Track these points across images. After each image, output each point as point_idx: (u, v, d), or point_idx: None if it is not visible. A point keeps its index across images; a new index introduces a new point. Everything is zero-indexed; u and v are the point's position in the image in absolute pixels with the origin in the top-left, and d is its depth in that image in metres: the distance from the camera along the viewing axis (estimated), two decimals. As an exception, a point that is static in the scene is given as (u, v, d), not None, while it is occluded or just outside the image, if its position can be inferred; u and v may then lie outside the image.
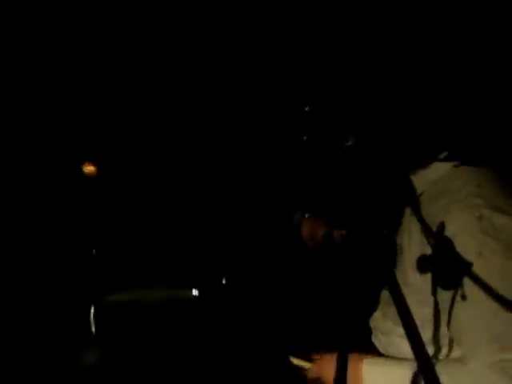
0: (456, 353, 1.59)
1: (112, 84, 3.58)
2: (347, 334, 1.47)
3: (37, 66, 3.96)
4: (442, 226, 1.43)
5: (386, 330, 1.72)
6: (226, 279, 2.32)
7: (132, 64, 3.94)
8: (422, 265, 1.54)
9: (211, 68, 3.33)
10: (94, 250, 2.73)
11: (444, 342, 1.64)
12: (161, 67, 3.62)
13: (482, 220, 1.47)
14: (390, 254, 1.52)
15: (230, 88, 3.23)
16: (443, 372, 1.52)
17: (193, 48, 3.39)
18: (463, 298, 1.53)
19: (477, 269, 1.46)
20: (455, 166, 1.57)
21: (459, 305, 1.53)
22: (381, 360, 1.71)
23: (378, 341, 1.77)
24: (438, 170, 1.61)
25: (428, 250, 1.51)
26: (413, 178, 1.63)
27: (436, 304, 1.58)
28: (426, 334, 1.62)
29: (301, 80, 2.52)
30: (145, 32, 3.92)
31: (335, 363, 1.40)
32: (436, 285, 1.55)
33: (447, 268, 1.50)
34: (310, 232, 1.96)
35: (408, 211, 1.65)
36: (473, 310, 1.51)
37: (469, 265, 1.46)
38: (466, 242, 1.43)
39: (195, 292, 2.15)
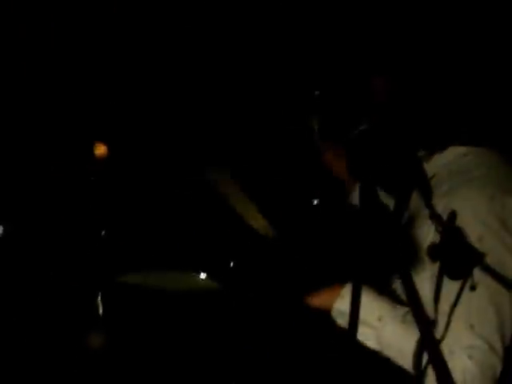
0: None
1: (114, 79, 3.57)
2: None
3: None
4: (453, 214, 1.42)
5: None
6: (233, 263, 2.30)
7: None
8: (432, 254, 1.53)
9: (220, 51, 3.32)
10: (103, 232, 2.71)
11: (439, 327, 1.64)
12: (164, 62, 3.61)
13: (493, 200, 1.47)
14: (400, 242, 1.51)
15: (238, 71, 3.22)
16: None
17: (199, 31, 3.39)
18: (472, 288, 1.52)
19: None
20: (467, 150, 1.58)
21: (466, 294, 1.53)
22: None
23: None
24: (450, 153, 1.61)
25: (437, 238, 1.50)
26: (425, 163, 1.63)
27: (438, 291, 1.59)
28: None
29: (311, 63, 2.51)
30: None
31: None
32: (443, 274, 1.55)
33: (457, 258, 1.49)
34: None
35: (417, 196, 1.65)
36: (479, 301, 1.51)
37: (481, 255, 1.45)
38: (470, 222, 1.42)
39: (203, 275, 2.12)
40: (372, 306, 1.72)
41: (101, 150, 2.92)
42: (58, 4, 3.88)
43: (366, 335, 1.73)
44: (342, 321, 1.77)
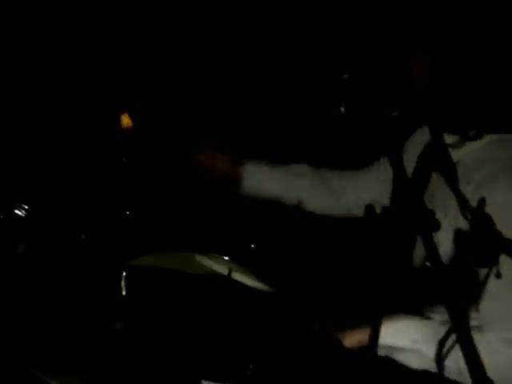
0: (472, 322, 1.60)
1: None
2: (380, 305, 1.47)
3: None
4: (482, 201, 1.42)
5: None
6: (254, 245, 2.28)
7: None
8: (459, 241, 1.53)
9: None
10: (127, 212, 2.69)
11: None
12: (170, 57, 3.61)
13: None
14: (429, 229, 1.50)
15: (266, 54, 3.20)
16: None
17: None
18: (498, 276, 1.52)
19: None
20: (500, 137, 1.57)
21: (492, 281, 1.53)
22: None
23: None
24: (484, 141, 1.61)
25: (465, 226, 1.50)
26: (456, 149, 1.62)
27: (465, 281, 1.59)
28: None
29: (340, 46, 2.48)
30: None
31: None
32: (470, 262, 1.54)
33: (484, 246, 1.49)
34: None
35: (441, 181, 1.64)
36: (506, 288, 1.51)
37: (510, 242, 1.44)
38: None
39: (226, 257, 2.10)
40: (403, 331, 1.71)
41: (125, 121, 2.90)
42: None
43: (409, 359, 1.72)
44: (383, 352, 1.74)
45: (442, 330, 1.62)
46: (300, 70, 2.96)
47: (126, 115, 2.88)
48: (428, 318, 1.74)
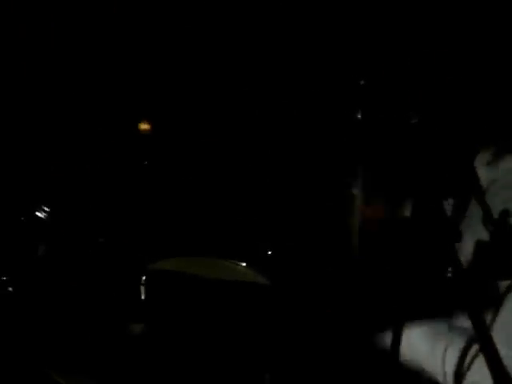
0: None
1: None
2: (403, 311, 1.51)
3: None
4: (505, 212, 1.46)
5: None
6: (271, 251, 2.30)
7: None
8: (481, 253, 1.57)
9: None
10: (149, 215, 2.71)
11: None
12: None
13: None
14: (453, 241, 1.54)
15: (281, 60, 3.20)
16: None
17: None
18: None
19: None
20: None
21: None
22: None
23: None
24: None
25: (487, 237, 1.54)
26: (484, 166, 1.65)
27: (489, 294, 1.61)
28: None
29: (356, 51, 2.46)
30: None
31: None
32: (492, 274, 1.58)
33: (506, 258, 1.52)
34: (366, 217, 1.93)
35: (473, 202, 1.66)
36: None
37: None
38: None
39: (243, 264, 2.12)
40: (422, 340, 1.73)
41: (145, 126, 2.92)
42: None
43: (428, 368, 1.74)
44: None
45: (463, 340, 1.64)
46: (317, 75, 2.96)
47: (145, 121, 2.90)
48: (449, 327, 1.76)
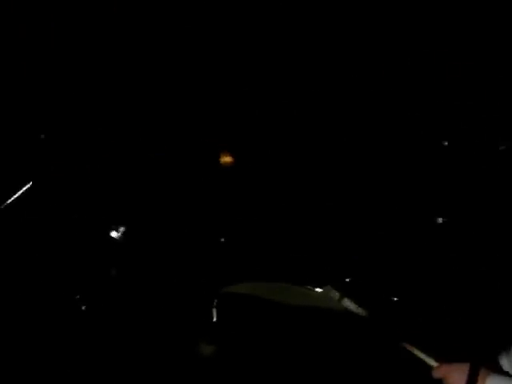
0: None
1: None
2: (482, 348, 1.65)
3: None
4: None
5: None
6: (349, 278, 2.37)
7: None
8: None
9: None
10: (222, 239, 2.78)
11: None
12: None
13: None
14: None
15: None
16: None
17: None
18: None
19: None
20: None
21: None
22: (506, 378, 1.75)
23: (507, 361, 1.86)
24: None
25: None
26: None
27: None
28: None
29: (442, 81, 2.45)
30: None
31: (465, 374, 1.58)
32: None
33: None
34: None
35: None
36: None
37: None
38: None
39: (318, 290, 2.19)
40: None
41: (227, 158, 2.97)
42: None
43: None
44: None
45: None
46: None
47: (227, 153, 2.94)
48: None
